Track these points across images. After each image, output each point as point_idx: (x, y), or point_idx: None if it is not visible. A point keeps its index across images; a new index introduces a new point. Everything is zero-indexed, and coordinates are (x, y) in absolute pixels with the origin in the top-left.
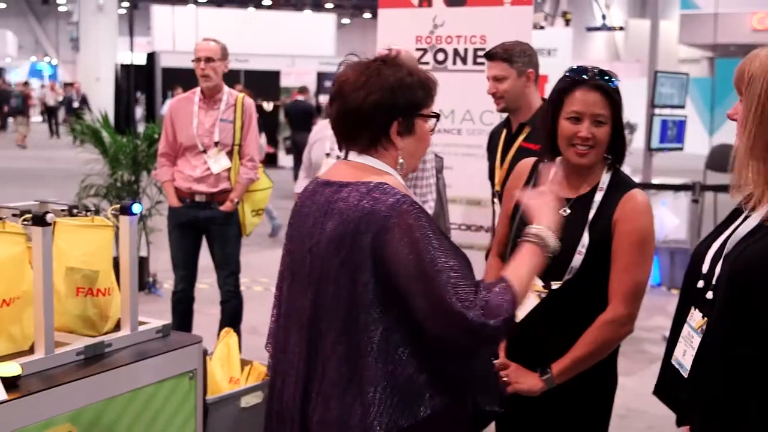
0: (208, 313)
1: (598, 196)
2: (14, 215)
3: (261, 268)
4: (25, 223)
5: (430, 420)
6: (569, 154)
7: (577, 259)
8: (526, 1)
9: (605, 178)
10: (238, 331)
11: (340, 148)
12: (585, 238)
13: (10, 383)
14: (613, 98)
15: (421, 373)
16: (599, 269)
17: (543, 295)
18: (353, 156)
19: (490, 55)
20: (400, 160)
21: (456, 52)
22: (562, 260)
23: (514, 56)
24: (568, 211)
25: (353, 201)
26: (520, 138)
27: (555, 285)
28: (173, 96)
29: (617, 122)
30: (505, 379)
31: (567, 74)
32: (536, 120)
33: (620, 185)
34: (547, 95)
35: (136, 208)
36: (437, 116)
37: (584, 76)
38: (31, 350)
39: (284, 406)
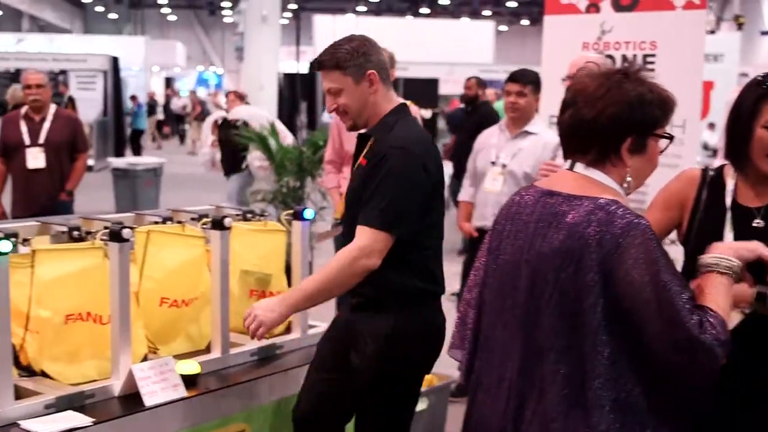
0: None
1: None
2: (193, 219)
3: None
4: (204, 226)
5: None
6: (764, 163)
7: None
8: (700, 4)
9: None
10: None
11: (565, 158)
12: None
13: (190, 381)
14: None
15: (645, 399)
16: None
17: (747, 311)
18: (580, 168)
19: (319, 64)
20: (628, 178)
21: (624, 58)
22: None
23: (346, 63)
24: (761, 222)
25: (583, 216)
26: (363, 153)
27: None
28: None
29: None
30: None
31: (762, 81)
32: (379, 129)
33: None
34: (713, 102)
35: (309, 213)
36: (671, 138)
37: None
38: (207, 350)
39: (487, 420)
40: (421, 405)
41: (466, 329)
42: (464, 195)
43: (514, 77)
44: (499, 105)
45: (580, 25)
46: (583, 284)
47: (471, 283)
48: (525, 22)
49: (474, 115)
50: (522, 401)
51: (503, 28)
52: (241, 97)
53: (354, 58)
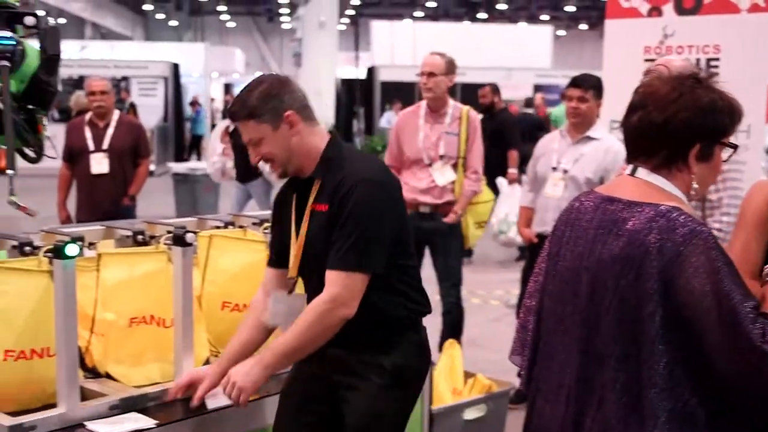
0: (425, 323)
1: None
2: (254, 224)
3: (478, 280)
4: (266, 231)
5: None
6: None
7: None
8: (765, 7)
9: None
10: (458, 343)
11: (629, 161)
12: None
13: None
14: None
15: (703, 409)
16: None
17: None
18: (642, 173)
19: (232, 116)
20: (695, 185)
21: None
22: None
23: (259, 110)
24: None
25: (643, 224)
26: (311, 198)
27: None
28: (391, 110)
29: None
30: None
31: None
32: (326, 169)
33: None
34: None
35: None
36: (735, 147)
37: None
38: None
39: (546, 426)
40: (480, 411)
41: (526, 335)
42: (524, 200)
43: (575, 82)
44: (560, 110)
45: (641, 29)
46: (643, 292)
47: (531, 289)
48: (583, 26)
49: (491, 122)
50: (581, 408)
51: (561, 32)
52: None
53: (266, 102)
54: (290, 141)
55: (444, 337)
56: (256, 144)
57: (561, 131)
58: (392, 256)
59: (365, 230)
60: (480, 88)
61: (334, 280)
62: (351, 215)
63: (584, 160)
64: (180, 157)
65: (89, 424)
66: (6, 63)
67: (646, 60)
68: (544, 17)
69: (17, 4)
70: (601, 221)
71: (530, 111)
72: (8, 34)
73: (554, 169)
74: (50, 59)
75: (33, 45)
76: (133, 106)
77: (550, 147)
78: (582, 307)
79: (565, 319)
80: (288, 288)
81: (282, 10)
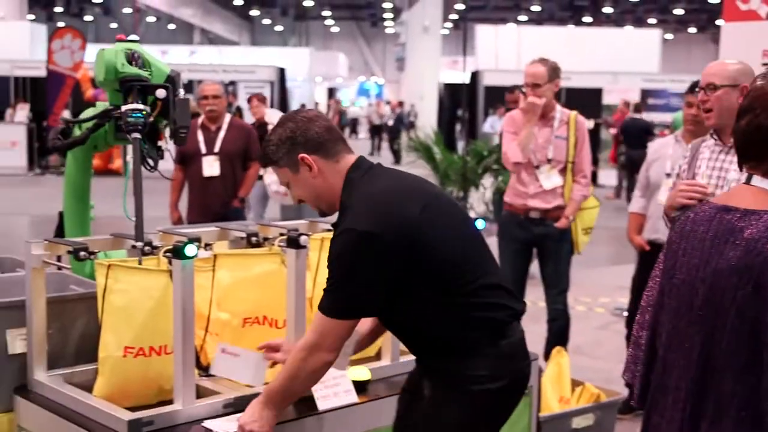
0: (530, 330)
1: None
2: None
3: (583, 287)
4: None
5: None
6: None
7: None
8: None
9: None
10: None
11: (740, 167)
12: None
13: (361, 387)
14: None
15: None
16: None
17: None
18: (756, 181)
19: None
20: None
21: None
22: None
23: (275, 156)
24: None
25: (762, 231)
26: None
27: None
28: (495, 114)
29: None
30: None
31: None
32: (350, 212)
33: None
34: None
35: (480, 224)
36: None
37: None
38: (377, 357)
39: None
40: (588, 421)
41: (639, 350)
42: (635, 206)
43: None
44: (679, 116)
45: (760, 32)
46: (761, 302)
47: (644, 303)
48: (692, 29)
49: None
50: (698, 422)
51: (669, 36)
52: (264, 100)
53: (280, 149)
54: (313, 183)
55: (550, 345)
56: (288, 186)
57: (676, 136)
58: (442, 283)
59: (339, 280)
60: (589, 91)
61: (315, 322)
62: (329, 263)
63: None
64: None
65: (205, 422)
66: (137, 135)
67: (764, 64)
68: (651, 21)
69: (149, 77)
70: (717, 231)
71: (638, 116)
72: (140, 107)
73: (668, 175)
74: (180, 129)
75: (155, 60)
76: (239, 110)
77: (664, 152)
78: (698, 320)
79: (681, 332)
80: None
81: (386, 15)
